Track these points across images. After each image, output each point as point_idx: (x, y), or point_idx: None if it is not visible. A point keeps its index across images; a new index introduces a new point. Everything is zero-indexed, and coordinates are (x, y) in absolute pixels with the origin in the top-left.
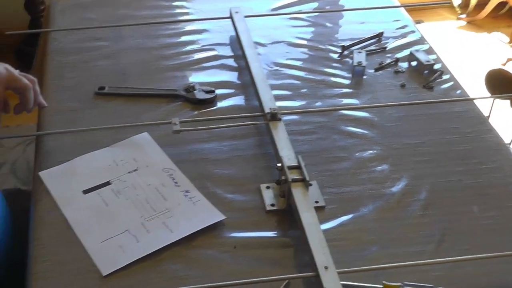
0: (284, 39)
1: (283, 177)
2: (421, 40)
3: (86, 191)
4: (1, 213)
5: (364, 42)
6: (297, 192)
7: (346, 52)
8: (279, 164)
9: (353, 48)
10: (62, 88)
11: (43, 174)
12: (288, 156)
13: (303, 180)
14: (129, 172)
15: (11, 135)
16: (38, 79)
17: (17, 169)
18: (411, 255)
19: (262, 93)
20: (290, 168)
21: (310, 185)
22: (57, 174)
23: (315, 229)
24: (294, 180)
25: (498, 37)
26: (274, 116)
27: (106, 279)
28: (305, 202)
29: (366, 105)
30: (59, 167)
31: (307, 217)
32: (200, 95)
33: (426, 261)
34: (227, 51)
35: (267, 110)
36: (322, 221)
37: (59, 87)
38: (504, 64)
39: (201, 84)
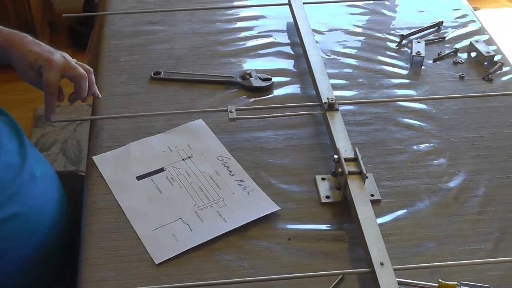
0: (341, 27)
1: (339, 169)
2: (481, 30)
3: (139, 177)
4: (58, 196)
5: (422, 31)
6: (353, 185)
7: (404, 42)
8: (336, 156)
9: (411, 37)
10: (117, 71)
11: (96, 158)
12: (345, 147)
13: (360, 173)
14: (183, 159)
15: (67, 119)
16: (93, 61)
17: (67, 149)
18: (468, 253)
19: (319, 82)
20: (347, 160)
21: (367, 178)
22: (111, 159)
23: (372, 224)
24: (351, 173)
25: None
26: (331, 106)
27: (159, 267)
28: (361, 195)
29: (424, 97)
30: (113, 152)
31: (363, 211)
32: (256, 82)
33: (484, 260)
34: (284, 38)
35: (324, 100)
36: (378, 215)
37: (114, 70)
38: None
39: (258, 71)
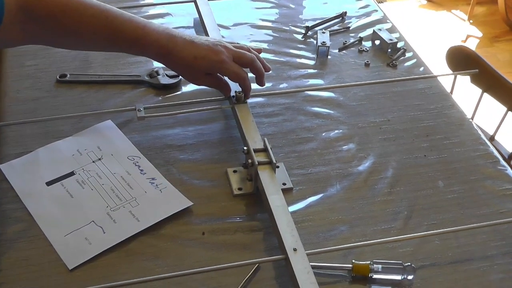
0: (247, 21)
1: (249, 161)
2: (384, 19)
3: (49, 183)
4: None
5: (327, 22)
6: (264, 175)
7: (310, 33)
8: (245, 148)
9: (316, 28)
10: (22, 76)
11: (3, 167)
12: (254, 139)
13: (269, 162)
14: (93, 161)
15: None
16: None
17: None
18: (379, 233)
19: (227, 77)
20: (257, 151)
21: (277, 167)
22: (19, 166)
23: (283, 212)
24: (261, 163)
25: (457, 15)
26: (239, 99)
27: (73, 272)
28: (272, 184)
29: (331, 86)
30: (21, 159)
31: (275, 199)
32: (164, 80)
33: (393, 238)
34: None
35: (232, 93)
36: (290, 203)
37: (19, 75)
38: (464, 41)
39: (165, 69)
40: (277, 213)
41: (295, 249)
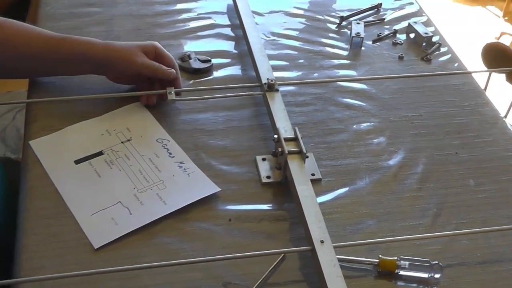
0: (281, 9)
1: (279, 149)
2: (419, 12)
3: (77, 161)
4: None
5: (362, 13)
6: (293, 165)
7: (344, 23)
8: (275, 136)
9: (351, 19)
10: None
11: (33, 143)
12: (284, 127)
13: (299, 152)
14: (122, 142)
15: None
16: None
17: (6, 137)
18: (407, 229)
19: (259, 63)
20: (287, 140)
21: (307, 157)
22: (48, 143)
23: (311, 203)
24: (291, 152)
25: (492, 11)
26: (271, 87)
27: (98, 252)
28: (301, 174)
29: (364, 77)
30: (50, 136)
31: (304, 190)
32: (195, 64)
33: (422, 235)
34: (224, 20)
35: (264, 81)
36: (318, 194)
37: None
38: (498, 38)
39: (197, 53)
40: (305, 204)
41: (322, 241)
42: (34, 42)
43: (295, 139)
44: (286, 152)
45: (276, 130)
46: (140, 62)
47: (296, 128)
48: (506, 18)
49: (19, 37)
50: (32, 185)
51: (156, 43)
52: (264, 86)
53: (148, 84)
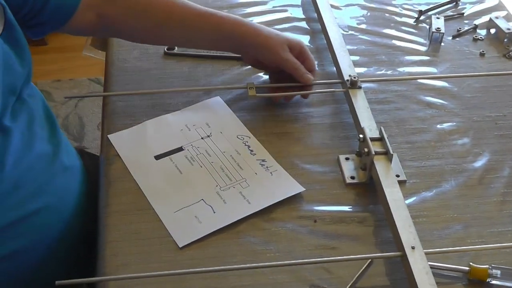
0: (358, 2)
1: (365, 149)
2: (500, 6)
3: (158, 157)
4: (84, 188)
5: (440, 7)
6: (380, 166)
7: (422, 17)
8: (361, 136)
9: (429, 13)
10: (129, 46)
11: (112, 137)
12: (369, 127)
13: (386, 153)
14: (202, 138)
15: (80, 95)
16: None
17: (69, 125)
18: (495, 236)
19: (340, 59)
20: (373, 140)
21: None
22: (127, 137)
23: (401, 206)
24: (377, 153)
25: None
26: (354, 84)
27: (182, 250)
28: (388, 176)
29: (446, 75)
30: (129, 130)
31: (392, 192)
32: None
33: None
34: (299, 13)
35: (346, 77)
36: (404, 196)
37: (126, 45)
38: None
39: None
40: (394, 207)
41: (413, 247)
42: (189, 15)
43: (380, 139)
44: (373, 153)
45: (361, 130)
46: (285, 57)
47: (382, 128)
48: None
49: (178, 8)
50: (113, 179)
51: (303, 42)
52: (347, 82)
53: (280, 76)
